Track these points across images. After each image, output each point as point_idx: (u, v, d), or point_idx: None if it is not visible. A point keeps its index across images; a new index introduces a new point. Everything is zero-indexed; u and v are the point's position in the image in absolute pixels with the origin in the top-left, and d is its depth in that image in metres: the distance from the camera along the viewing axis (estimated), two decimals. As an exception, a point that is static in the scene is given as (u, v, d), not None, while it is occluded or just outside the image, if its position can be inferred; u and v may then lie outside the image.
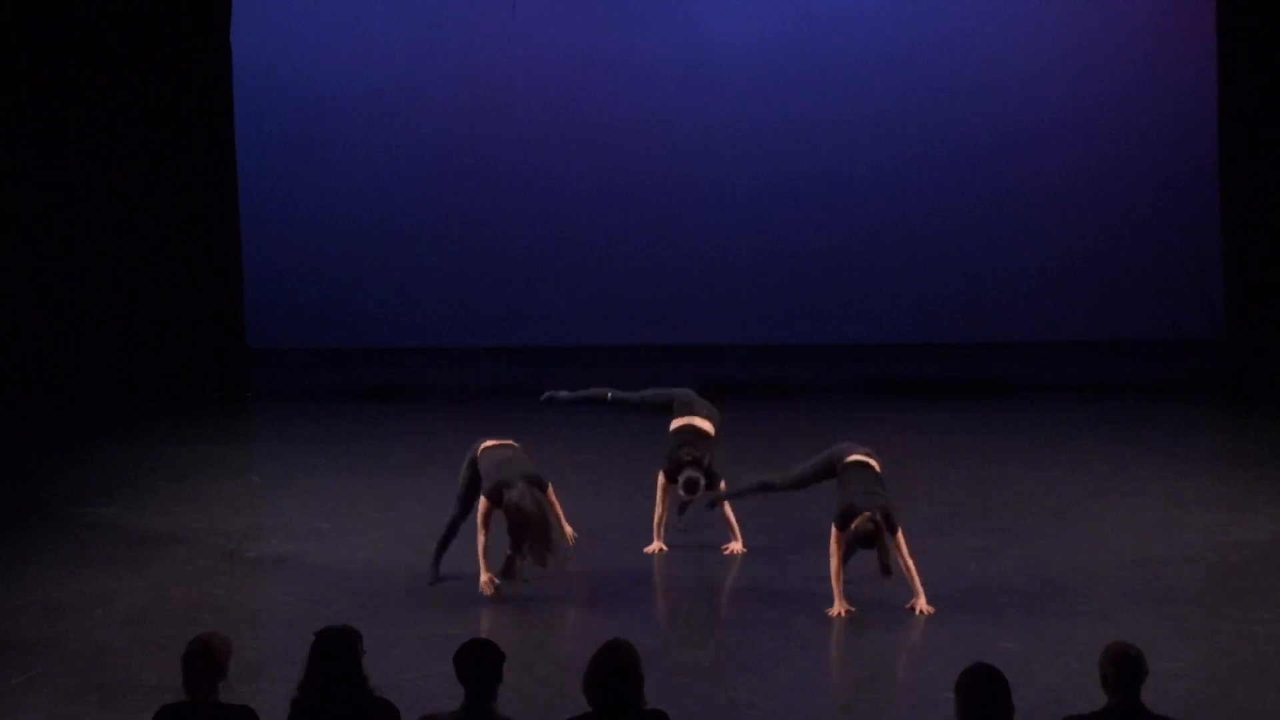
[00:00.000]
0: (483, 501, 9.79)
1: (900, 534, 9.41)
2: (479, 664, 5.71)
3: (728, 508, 10.70)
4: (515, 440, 10.36)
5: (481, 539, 9.83)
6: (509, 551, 9.70)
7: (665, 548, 10.79)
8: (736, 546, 10.72)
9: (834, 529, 9.48)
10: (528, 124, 16.83)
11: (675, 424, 10.89)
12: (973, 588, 9.94)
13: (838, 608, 9.45)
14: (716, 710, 8.13)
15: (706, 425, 10.89)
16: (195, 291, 16.13)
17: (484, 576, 9.84)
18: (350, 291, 16.98)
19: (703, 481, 10.47)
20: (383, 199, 16.98)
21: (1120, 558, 10.45)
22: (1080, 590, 9.84)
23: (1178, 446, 13.65)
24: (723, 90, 16.77)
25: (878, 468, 9.83)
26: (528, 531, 9.46)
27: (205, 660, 5.93)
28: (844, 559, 9.54)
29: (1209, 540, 10.84)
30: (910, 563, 9.48)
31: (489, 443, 10.22)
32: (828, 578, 9.68)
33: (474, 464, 10.12)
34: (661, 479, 10.71)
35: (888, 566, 9.32)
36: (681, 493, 10.53)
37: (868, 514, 9.23)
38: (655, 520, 10.80)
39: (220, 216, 16.21)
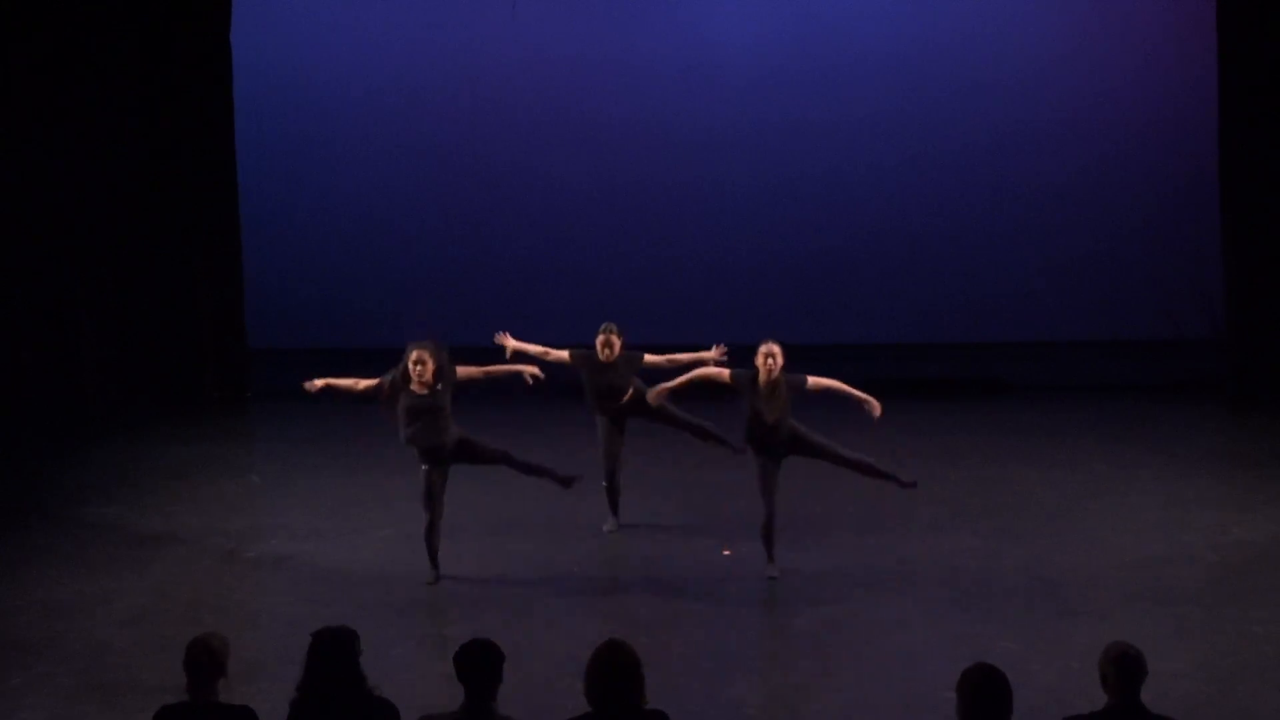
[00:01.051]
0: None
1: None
2: (479, 664, 5.71)
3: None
4: None
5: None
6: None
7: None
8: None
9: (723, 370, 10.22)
10: (528, 124, 16.83)
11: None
12: (973, 588, 9.94)
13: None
14: (716, 710, 8.13)
15: None
16: (195, 291, 16.13)
17: None
18: (350, 291, 16.99)
19: (614, 327, 10.96)
20: (383, 199, 16.98)
21: (1120, 558, 10.45)
22: (1080, 590, 9.84)
23: (1178, 446, 13.64)
24: (723, 90, 16.78)
25: None
26: None
27: (208, 661, 5.94)
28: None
29: (1209, 540, 10.83)
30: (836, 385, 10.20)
31: None
32: (825, 575, 9.69)
33: None
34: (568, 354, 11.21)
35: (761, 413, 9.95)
36: (600, 340, 11.00)
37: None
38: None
39: (220, 216, 16.21)
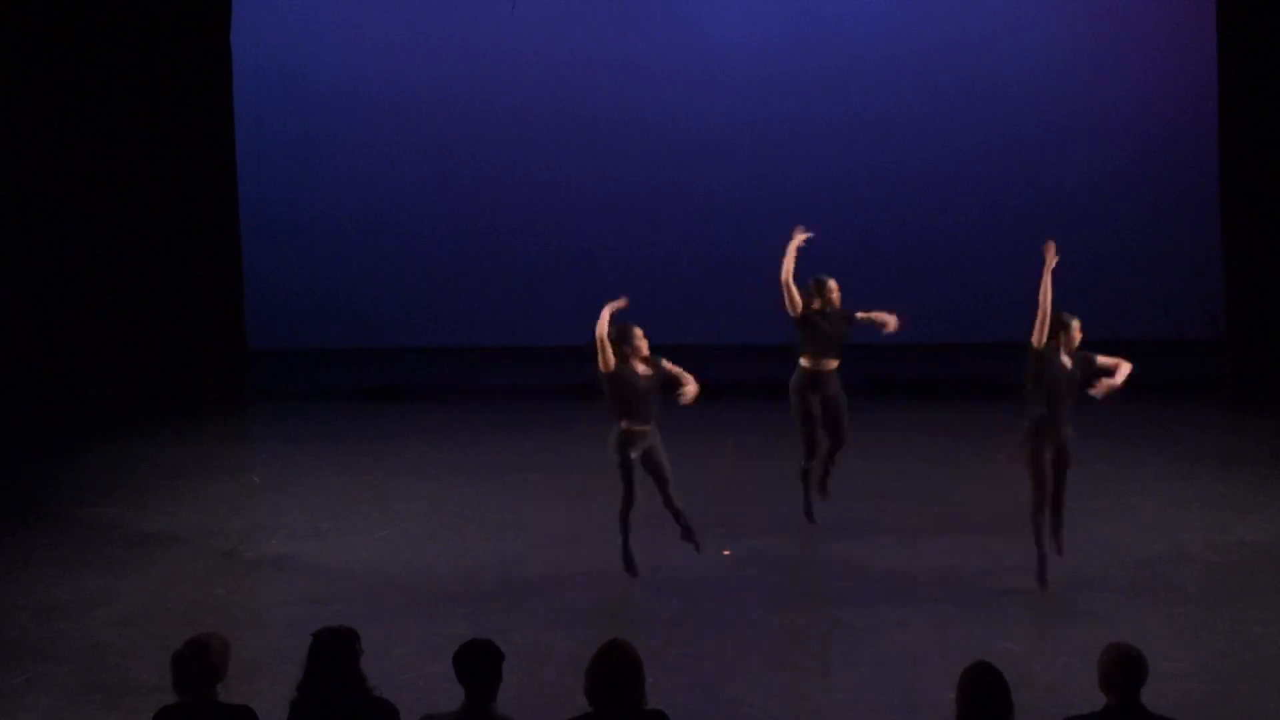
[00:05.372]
0: None
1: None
2: (479, 664, 5.71)
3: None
4: None
5: None
6: None
7: None
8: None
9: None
10: (527, 124, 16.84)
11: None
12: (973, 588, 9.94)
13: None
14: (716, 710, 8.13)
15: None
16: (195, 291, 16.12)
17: None
18: (350, 291, 16.99)
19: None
20: (382, 199, 16.99)
21: (1120, 558, 10.45)
22: (1080, 590, 9.84)
23: (1178, 446, 13.63)
24: (723, 90, 16.78)
25: None
26: None
27: (197, 662, 5.92)
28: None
29: (1209, 540, 10.84)
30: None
31: None
32: (825, 575, 9.68)
33: None
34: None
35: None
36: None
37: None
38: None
39: (220, 216, 16.20)
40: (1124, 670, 5.66)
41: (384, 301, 17.01)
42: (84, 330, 15.66)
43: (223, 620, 9.01)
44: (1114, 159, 16.57)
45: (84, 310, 15.65)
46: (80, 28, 15.35)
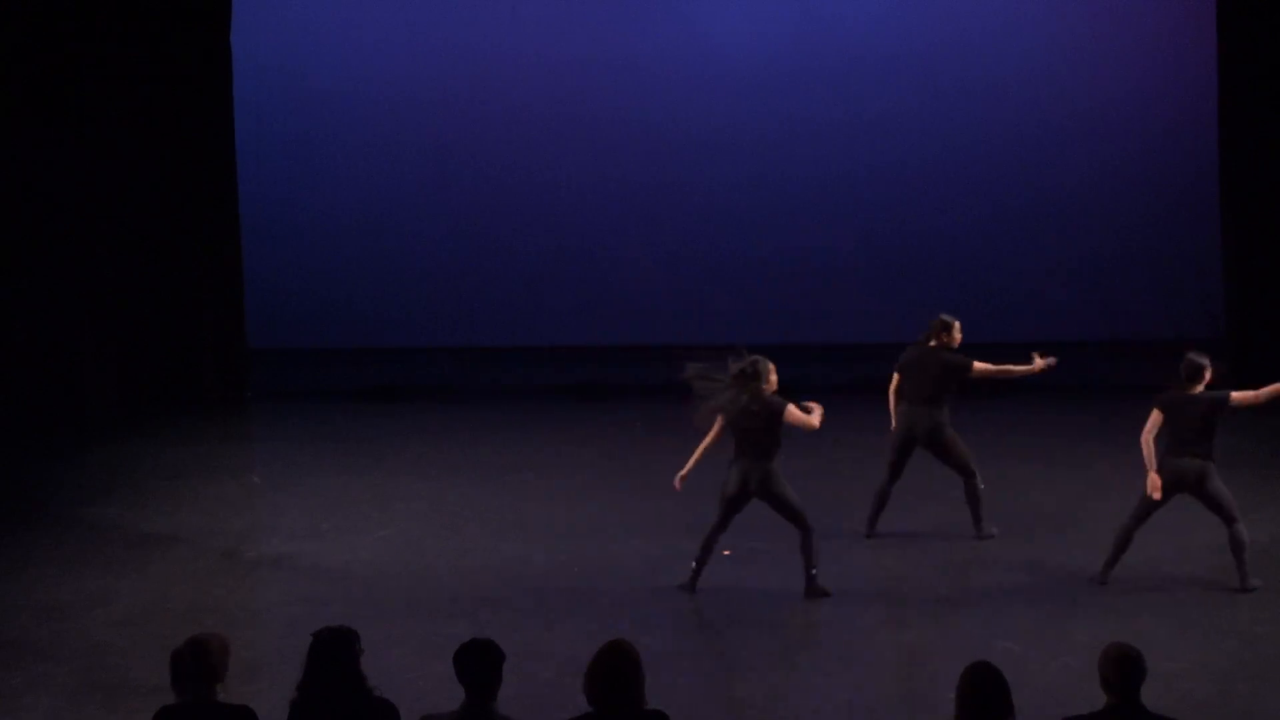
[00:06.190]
0: None
1: None
2: (479, 664, 5.71)
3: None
4: None
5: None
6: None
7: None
8: None
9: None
10: (528, 124, 16.85)
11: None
12: (973, 588, 9.95)
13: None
14: (716, 710, 8.13)
15: None
16: (195, 291, 16.14)
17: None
18: (350, 291, 17.00)
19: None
20: (383, 199, 16.99)
21: (1121, 557, 10.43)
22: (1080, 590, 9.85)
23: (1178, 446, 13.60)
24: (723, 90, 16.79)
25: None
26: None
27: (196, 662, 5.92)
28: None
29: (1209, 540, 10.82)
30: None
31: None
32: (825, 575, 9.69)
33: None
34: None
35: None
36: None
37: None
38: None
39: (220, 216, 16.22)
40: (1123, 670, 5.66)
41: (384, 301, 17.01)
42: (84, 330, 15.67)
43: (223, 620, 9.01)
44: (1114, 159, 16.57)
45: (84, 310, 15.66)
46: (80, 28, 15.36)
